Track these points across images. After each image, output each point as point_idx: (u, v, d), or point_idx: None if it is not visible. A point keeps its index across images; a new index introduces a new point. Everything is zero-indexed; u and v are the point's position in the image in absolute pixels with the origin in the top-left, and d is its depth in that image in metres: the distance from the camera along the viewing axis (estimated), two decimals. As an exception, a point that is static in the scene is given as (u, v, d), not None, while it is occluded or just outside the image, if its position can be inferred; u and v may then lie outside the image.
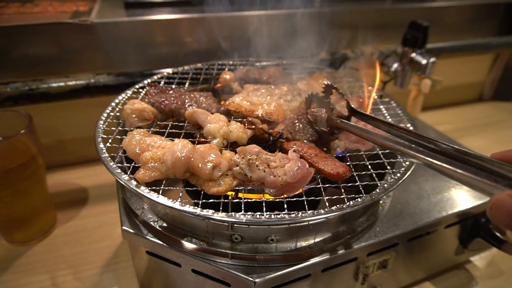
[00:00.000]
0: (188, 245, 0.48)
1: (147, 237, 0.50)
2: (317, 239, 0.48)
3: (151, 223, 0.51)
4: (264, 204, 0.43)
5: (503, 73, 1.31)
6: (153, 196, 0.43)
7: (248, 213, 0.41)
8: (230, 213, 0.41)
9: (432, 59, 0.82)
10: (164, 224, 0.50)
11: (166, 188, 0.46)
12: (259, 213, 0.41)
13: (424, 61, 0.82)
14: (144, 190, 0.44)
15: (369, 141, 0.53)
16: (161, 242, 0.49)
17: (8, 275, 0.67)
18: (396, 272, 0.60)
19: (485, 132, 1.19)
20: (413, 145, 0.41)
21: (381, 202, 0.57)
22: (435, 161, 0.37)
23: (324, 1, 1.07)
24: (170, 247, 0.49)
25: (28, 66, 0.81)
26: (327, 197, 0.45)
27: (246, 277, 0.45)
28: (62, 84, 0.76)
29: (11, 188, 0.65)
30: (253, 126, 0.57)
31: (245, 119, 0.60)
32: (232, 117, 0.61)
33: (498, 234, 0.59)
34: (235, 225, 0.45)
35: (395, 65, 0.90)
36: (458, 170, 0.34)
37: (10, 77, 0.77)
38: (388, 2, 1.17)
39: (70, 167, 0.95)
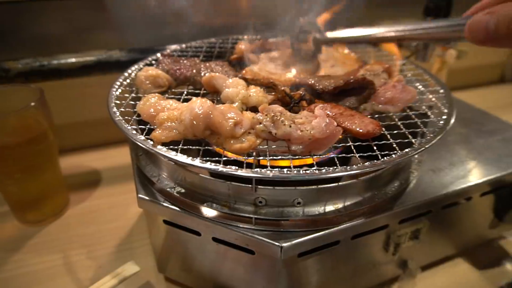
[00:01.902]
0: (208, 211, 0.45)
1: (164, 204, 0.47)
2: (347, 203, 0.45)
3: (168, 189, 0.48)
4: (291, 165, 0.40)
5: (526, 52, 1.26)
6: (171, 154, 0.41)
7: (275, 168, 0.38)
8: (254, 169, 0.38)
9: (457, 28, 0.77)
10: (182, 190, 0.47)
11: (185, 147, 0.43)
12: (287, 169, 0.38)
13: (448, 31, 0.78)
14: (161, 149, 0.41)
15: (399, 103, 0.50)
16: (179, 209, 0.46)
17: (21, 255, 0.65)
18: (427, 245, 0.56)
19: (508, 113, 1.14)
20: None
21: (412, 167, 0.53)
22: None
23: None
24: (188, 213, 0.46)
25: (39, 43, 0.79)
26: (359, 154, 0.41)
27: (271, 242, 0.42)
28: (73, 60, 0.74)
29: (21, 163, 0.63)
30: (274, 91, 0.54)
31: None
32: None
33: (538, 203, 0.55)
34: (260, 186, 0.42)
35: (417, 38, 0.86)
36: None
37: (21, 54, 0.75)
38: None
39: (82, 150, 0.93)
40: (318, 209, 0.44)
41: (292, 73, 0.61)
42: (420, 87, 0.58)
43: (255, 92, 0.52)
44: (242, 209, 0.44)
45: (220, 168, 0.38)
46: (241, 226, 0.44)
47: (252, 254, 0.45)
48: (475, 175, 0.54)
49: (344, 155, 0.42)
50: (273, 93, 0.54)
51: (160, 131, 0.43)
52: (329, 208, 0.44)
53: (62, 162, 0.74)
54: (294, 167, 0.39)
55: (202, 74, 0.59)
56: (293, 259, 0.44)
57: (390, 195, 0.47)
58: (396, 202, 0.48)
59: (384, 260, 0.53)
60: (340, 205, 0.44)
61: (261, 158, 0.46)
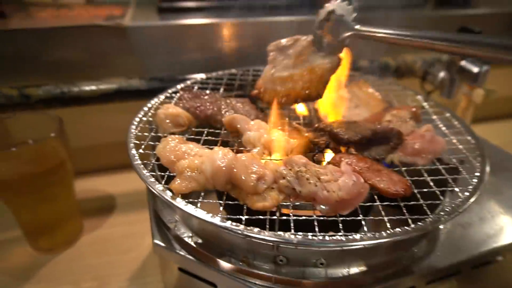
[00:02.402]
0: (226, 265, 0.43)
1: (180, 253, 0.45)
2: (372, 265, 0.42)
3: (185, 238, 0.46)
4: (315, 223, 0.38)
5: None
6: (191, 209, 0.39)
7: (299, 233, 0.36)
8: (278, 232, 0.36)
9: (485, 67, 0.75)
10: (199, 241, 0.46)
11: (205, 201, 0.41)
12: (311, 233, 0.36)
13: (476, 69, 0.76)
14: (180, 203, 0.40)
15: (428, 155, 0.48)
16: (195, 259, 0.44)
17: (32, 285, 0.64)
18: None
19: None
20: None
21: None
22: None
23: (363, 8, 1.03)
24: (205, 265, 0.44)
25: (60, 70, 0.79)
26: (388, 217, 0.39)
27: (291, 304, 0.40)
28: (94, 87, 0.74)
29: (37, 193, 0.63)
30: (295, 136, 0.52)
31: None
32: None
33: None
34: (281, 245, 0.40)
35: (442, 74, 0.83)
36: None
37: (43, 80, 0.75)
38: (429, 9, 1.11)
39: (99, 173, 0.93)
40: (341, 271, 0.42)
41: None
42: (447, 133, 0.56)
43: (278, 137, 0.51)
44: (262, 266, 0.42)
45: (242, 229, 0.36)
46: (259, 283, 0.42)
47: (270, 313, 0.43)
48: (507, 232, 0.51)
49: (372, 217, 0.40)
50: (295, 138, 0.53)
51: (179, 181, 0.42)
52: (354, 270, 0.42)
53: (77, 185, 0.74)
54: (318, 223, 0.37)
55: (223, 112, 0.58)
56: (313, 321, 0.42)
57: (417, 255, 0.45)
58: (424, 263, 0.45)
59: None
60: (364, 267, 0.42)
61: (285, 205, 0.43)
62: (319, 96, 0.55)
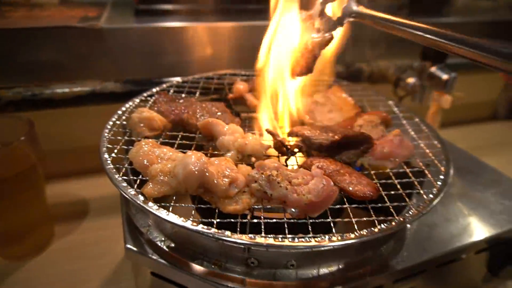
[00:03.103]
0: (198, 268, 0.44)
1: (153, 257, 0.45)
2: (341, 265, 0.44)
3: (158, 242, 0.46)
4: (286, 226, 0.39)
5: (518, 91, 1.28)
6: (163, 213, 0.39)
7: (270, 235, 0.37)
8: (249, 235, 0.37)
9: (453, 74, 0.78)
10: (172, 244, 0.46)
11: (177, 205, 0.41)
12: (281, 235, 0.37)
13: (445, 76, 0.79)
14: (152, 207, 0.40)
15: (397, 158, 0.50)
16: (168, 264, 0.44)
17: (-1, 294, 0.62)
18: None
19: (500, 152, 1.14)
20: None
21: (408, 225, 0.52)
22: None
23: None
24: (178, 269, 0.44)
25: (33, 71, 0.77)
26: (356, 219, 0.40)
27: (263, 306, 0.40)
28: (66, 90, 0.73)
29: (7, 199, 0.61)
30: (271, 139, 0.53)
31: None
32: (246, 129, 0.57)
33: (533, 262, 0.54)
34: (253, 247, 0.41)
35: (413, 80, 0.86)
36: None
37: (14, 81, 0.73)
38: (402, 17, 1.14)
39: (71, 177, 0.91)
40: (311, 272, 0.42)
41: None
42: (415, 137, 0.58)
43: (252, 141, 0.51)
44: (233, 269, 0.43)
45: (212, 233, 0.37)
46: (231, 286, 0.42)
47: (242, 315, 0.43)
48: (470, 233, 0.53)
49: (340, 219, 0.41)
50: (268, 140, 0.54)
51: (151, 186, 0.42)
52: (323, 270, 0.43)
53: (49, 189, 0.72)
54: (288, 226, 0.38)
55: (198, 116, 0.59)
56: (283, 322, 0.43)
57: (385, 255, 0.46)
58: (391, 263, 0.46)
59: (378, 318, 0.51)
60: (334, 268, 0.43)
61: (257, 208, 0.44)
62: (309, 70, 0.56)
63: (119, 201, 0.56)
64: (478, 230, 0.54)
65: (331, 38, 0.54)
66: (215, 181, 0.40)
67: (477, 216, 0.56)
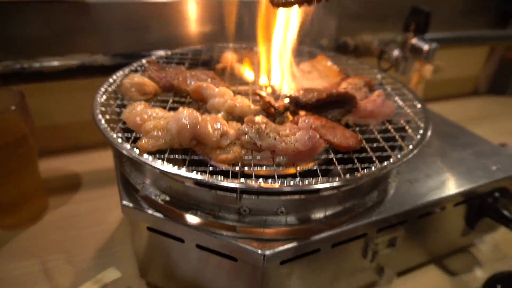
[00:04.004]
0: (193, 219, 0.46)
1: (148, 211, 0.47)
2: (328, 213, 0.46)
3: (153, 197, 0.48)
4: (275, 174, 0.41)
5: (497, 67, 1.32)
6: (158, 163, 0.41)
7: (260, 179, 0.39)
8: (241, 180, 0.39)
9: (434, 45, 0.81)
10: (167, 198, 0.48)
11: (171, 156, 0.43)
12: (271, 179, 0.39)
13: (426, 47, 0.82)
14: (147, 159, 0.42)
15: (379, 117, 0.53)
16: (163, 216, 0.47)
17: (-4, 260, 0.63)
18: (403, 253, 0.58)
19: (480, 125, 1.19)
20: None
21: (391, 178, 0.55)
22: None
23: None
24: (173, 221, 0.46)
25: (21, 46, 0.77)
26: (341, 166, 0.43)
27: (254, 250, 0.43)
28: (56, 63, 0.73)
29: None
30: (260, 101, 0.55)
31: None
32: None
33: (505, 213, 0.58)
34: (244, 195, 0.43)
35: (396, 52, 0.89)
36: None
37: (1, 56, 0.73)
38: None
39: (63, 153, 0.92)
40: (300, 218, 0.45)
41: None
42: (398, 101, 0.61)
43: (241, 103, 0.53)
44: (226, 217, 0.45)
45: (206, 178, 0.39)
46: (224, 234, 0.45)
47: (235, 261, 0.46)
48: (449, 186, 0.56)
49: (326, 166, 0.44)
50: (258, 103, 0.56)
51: (146, 140, 0.44)
52: (311, 217, 0.45)
53: (42, 165, 0.73)
54: (278, 177, 0.40)
55: (188, 82, 0.60)
56: (275, 266, 0.45)
57: (369, 205, 0.49)
58: (375, 212, 0.49)
59: (363, 267, 0.55)
60: (321, 214, 0.46)
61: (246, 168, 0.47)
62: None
63: (112, 175, 0.57)
64: (456, 184, 0.57)
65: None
66: (207, 132, 0.42)
67: (455, 172, 0.60)
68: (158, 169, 0.41)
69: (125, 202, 0.49)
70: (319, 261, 0.49)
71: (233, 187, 0.39)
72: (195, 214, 0.45)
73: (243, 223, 0.44)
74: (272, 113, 0.53)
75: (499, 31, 1.17)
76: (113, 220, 0.73)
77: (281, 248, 0.43)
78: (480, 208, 0.60)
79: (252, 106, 0.54)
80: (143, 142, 0.44)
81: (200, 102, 0.57)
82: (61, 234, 0.69)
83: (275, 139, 0.42)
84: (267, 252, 0.42)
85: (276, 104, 0.54)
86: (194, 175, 0.40)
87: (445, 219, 0.59)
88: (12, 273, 0.61)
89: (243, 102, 0.54)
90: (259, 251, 0.43)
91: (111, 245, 0.68)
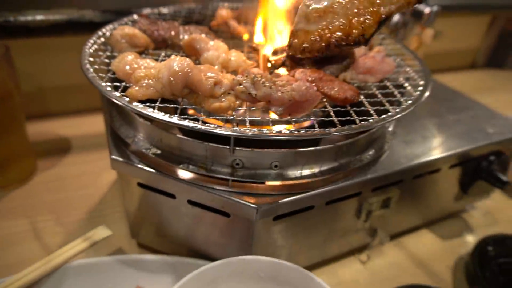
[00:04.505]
0: (184, 173, 0.45)
1: (139, 165, 0.46)
2: (323, 168, 0.45)
3: (144, 151, 0.46)
4: (271, 124, 0.40)
5: (497, 39, 1.30)
6: (149, 111, 0.39)
7: (254, 128, 0.38)
8: (234, 128, 0.38)
9: (435, 7, 0.79)
10: (158, 151, 0.46)
11: (162, 105, 0.41)
12: (266, 129, 0.38)
13: (427, 9, 0.79)
14: (138, 106, 0.40)
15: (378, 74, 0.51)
16: (154, 171, 0.45)
17: (-16, 219, 0.62)
18: (397, 215, 0.58)
19: (477, 97, 1.18)
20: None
21: (387, 137, 0.54)
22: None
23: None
24: (164, 175, 0.45)
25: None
26: (338, 118, 0.41)
27: (248, 203, 0.42)
28: (42, 17, 0.69)
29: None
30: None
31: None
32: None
33: (500, 175, 0.58)
34: (238, 148, 0.42)
35: (397, 17, 0.87)
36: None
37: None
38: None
39: (52, 117, 0.89)
40: (294, 173, 0.44)
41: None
42: (398, 60, 0.59)
43: (236, 56, 0.51)
44: (219, 171, 0.44)
45: (199, 125, 0.37)
46: (217, 188, 0.43)
47: (228, 216, 0.45)
48: (444, 148, 0.56)
49: (323, 118, 0.42)
50: (253, 59, 0.53)
51: (137, 89, 0.42)
52: (306, 172, 0.44)
53: (30, 128, 0.71)
54: (273, 121, 0.39)
55: (181, 37, 0.58)
56: (268, 222, 0.44)
57: (364, 162, 0.48)
58: (370, 170, 0.49)
59: (356, 227, 0.54)
60: (316, 170, 0.45)
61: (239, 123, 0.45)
62: (364, 38, 0.35)
63: (103, 139, 0.54)
64: (452, 146, 0.56)
65: None
66: (200, 80, 0.40)
67: (451, 134, 0.59)
68: (149, 116, 0.39)
69: (114, 156, 0.47)
70: (313, 219, 0.48)
71: (226, 134, 0.37)
72: (187, 168, 0.44)
73: (236, 176, 0.43)
74: (269, 68, 0.51)
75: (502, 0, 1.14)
76: (104, 183, 0.72)
77: (275, 202, 0.42)
78: (475, 171, 0.60)
79: (248, 61, 0.52)
80: (134, 90, 0.42)
81: (193, 57, 0.55)
82: (50, 195, 0.68)
83: (270, 87, 0.40)
84: (261, 207, 0.41)
85: (273, 59, 0.52)
86: (186, 123, 0.38)
87: (440, 181, 0.58)
88: (0, 232, 0.60)
89: (238, 56, 0.51)
90: (253, 205, 0.42)
91: (102, 207, 0.67)
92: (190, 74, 0.40)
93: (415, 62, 0.58)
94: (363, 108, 0.44)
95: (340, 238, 0.55)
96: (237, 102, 0.42)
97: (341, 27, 0.34)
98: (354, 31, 0.33)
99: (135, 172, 0.47)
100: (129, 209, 0.54)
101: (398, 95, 0.49)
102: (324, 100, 0.44)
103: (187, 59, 0.42)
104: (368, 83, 0.51)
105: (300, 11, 0.38)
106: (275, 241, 0.48)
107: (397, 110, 0.44)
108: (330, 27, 0.35)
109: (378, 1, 0.33)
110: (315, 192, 0.44)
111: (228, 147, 0.42)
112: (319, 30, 0.37)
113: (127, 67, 0.45)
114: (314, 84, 0.44)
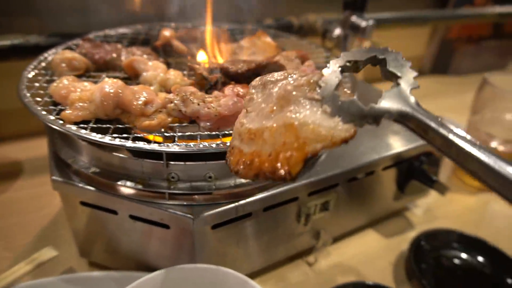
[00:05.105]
0: (123, 189, 0.46)
1: (79, 185, 0.47)
2: (257, 176, 0.48)
3: (83, 170, 0.48)
4: (199, 138, 0.43)
5: (440, 47, 1.39)
6: (82, 132, 0.41)
7: (182, 143, 0.40)
8: (162, 144, 0.40)
9: (371, 21, 0.85)
10: (97, 170, 0.48)
11: (96, 126, 0.43)
12: (193, 143, 0.41)
13: (363, 23, 0.85)
14: (71, 128, 0.42)
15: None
16: (94, 189, 0.47)
17: None
18: (338, 217, 0.61)
19: (424, 103, 1.26)
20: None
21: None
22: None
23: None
24: (104, 193, 0.46)
25: None
26: (263, 129, 0.44)
27: (184, 214, 0.44)
28: (-15, 43, 0.70)
29: None
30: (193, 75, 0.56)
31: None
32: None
33: (430, 174, 0.63)
34: (171, 162, 0.44)
35: (338, 30, 0.92)
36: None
37: None
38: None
39: (1, 141, 0.88)
40: (229, 183, 0.47)
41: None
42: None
43: (174, 75, 0.54)
44: (156, 185, 0.46)
45: (128, 144, 0.39)
46: (155, 201, 0.45)
47: (168, 228, 0.47)
48: (378, 151, 0.60)
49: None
50: (192, 78, 0.56)
51: (70, 111, 0.44)
52: (240, 181, 0.47)
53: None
54: (202, 135, 0.41)
55: (123, 58, 0.60)
56: (207, 231, 0.47)
57: (298, 169, 0.51)
58: (305, 175, 0.52)
59: (298, 231, 0.57)
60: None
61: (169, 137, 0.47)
62: (290, 176, 0.31)
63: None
64: (385, 149, 0.61)
65: (352, 136, 0.31)
66: (130, 99, 0.42)
67: (385, 137, 0.63)
68: (81, 136, 0.41)
69: (54, 177, 0.48)
70: (253, 225, 0.51)
71: (155, 150, 0.39)
72: (125, 185, 0.46)
73: (173, 189, 0.45)
74: (204, 85, 0.54)
75: (438, 12, 1.23)
76: (57, 205, 0.72)
77: (210, 212, 0.45)
78: (408, 171, 0.64)
79: (186, 79, 0.54)
80: (67, 112, 0.43)
81: (134, 78, 0.57)
82: (1, 221, 0.67)
83: (198, 104, 0.43)
84: (197, 216, 0.44)
85: (209, 76, 0.55)
86: (117, 142, 0.40)
87: (376, 182, 0.62)
88: None
89: (176, 75, 0.54)
90: (189, 216, 0.44)
91: (54, 229, 0.67)
92: (121, 94, 0.43)
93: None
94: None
95: (284, 243, 0.58)
96: (168, 119, 0.44)
97: (270, 157, 0.32)
98: (279, 167, 0.31)
99: (76, 191, 0.48)
100: (75, 228, 0.55)
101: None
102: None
103: (119, 81, 0.44)
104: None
105: (236, 127, 0.37)
106: (218, 250, 0.50)
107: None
108: (260, 156, 0.33)
109: (303, 137, 0.31)
110: (251, 199, 0.47)
111: (161, 162, 0.44)
112: (250, 155, 0.34)
113: (63, 91, 0.47)
114: (244, 98, 0.47)
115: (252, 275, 0.58)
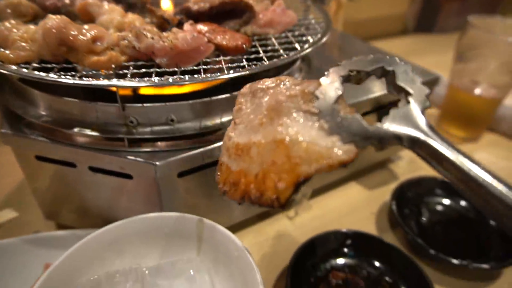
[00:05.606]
0: (79, 138, 0.43)
1: (31, 136, 0.43)
2: (224, 119, 0.45)
3: (34, 120, 0.44)
4: (154, 75, 0.39)
5: (424, 3, 1.35)
6: (23, 71, 0.37)
7: (136, 78, 0.37)
8: (114, 79, 0.36)
9: (349, -32, 0.80)
10: (50, 119, 0.44)
11: (39, 66, 0.39)
12: (148, 78, 0.37)
13: (341, -29, 0.81)
14: (10, 67, 0.37)
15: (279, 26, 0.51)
16: (48, 140, 0.43)
17: None
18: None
19: (408, 61, 1.23)
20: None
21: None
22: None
23: None
24: (59, 143, 0.43)
25: None
26: (227, 65, 0.41)
27: (145, 161, 0.40)
28: None
29: None
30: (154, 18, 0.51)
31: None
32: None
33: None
34: (128, 104, 0.40)
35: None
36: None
37: None
38: None
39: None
40: (194, 126, 0.43)
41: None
42: (302, 12, 0.60)
43: (131, 18, 0.49)
44: (114, 131, 0.42)
45: (74, 80, 0.36)
46: (114, 149, 0.42)
47: (131, 178, 0.43)
48: (354, 95, 0.57)
49: (211, 66, 0.42)
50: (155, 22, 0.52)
51: (10, 51, 0.39)
52: (205, 124, 0.44)
53: None
54: (157, 74, 0.37)
55: (77, 2, 0.55)
56: (172, 179, 0.43)
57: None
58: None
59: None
60: (217, 121, 0.44)
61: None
62: (278, 203, 0.27)
63: None
64: (363, 93, 0.57)
65: (354, 158, 0.27)
66: (75, 35, 0.38)
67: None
68: (22, 75, 0.37)
69: (4, 130, 0.44)
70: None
71: (106, 85, 0.36)
72: (81, 133, 0.42)
73: (132, 134, 0.42)
74: (166, 28, 0.50)
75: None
76: (19, 174, 0.68)
77: (174, 158, 0.41)
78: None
79: (145, 22, 0.50)
80: (6, 52, 0.39)
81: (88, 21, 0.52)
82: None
83: (153, 38, 0.39)
84: (158, 163, 0.40)
85: (170, 18, 0.50)
86: (63, 79, 0.36)
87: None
88: None
89: (135, 19, 0.50)
90: (150, 163, 0.40)
91: (18, 194, 0.63)
92: (64, 30, 0.38)
93: (320, 14, 0.58)
94: (255, 56, 0.44)
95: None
96: (122, 58, 0.40)
97: (257, 178, 0.28)
98: (267, 191, 0.27)
99: (28, 144, 0.44)
100: (35, 188, 0.51)
101: (296, 43, 0.49)
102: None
103: (64, 16, 0.40)
104: (268, 35, 0.51)
105: (224, 141, 0.34)
106: (187, 201, 0.47)
107: (291, 54, 0.44)
108: (247, 176, 0.29)
109: (294, 157, 0.26)
110: (219, 144, 0.44)
111: (117, 104, 0.40)
112: (237, 174, 0.30)
113: (5, 33, 0.42)
114: (205, 35, 0.43)
115: (229, 230, 0.56)
